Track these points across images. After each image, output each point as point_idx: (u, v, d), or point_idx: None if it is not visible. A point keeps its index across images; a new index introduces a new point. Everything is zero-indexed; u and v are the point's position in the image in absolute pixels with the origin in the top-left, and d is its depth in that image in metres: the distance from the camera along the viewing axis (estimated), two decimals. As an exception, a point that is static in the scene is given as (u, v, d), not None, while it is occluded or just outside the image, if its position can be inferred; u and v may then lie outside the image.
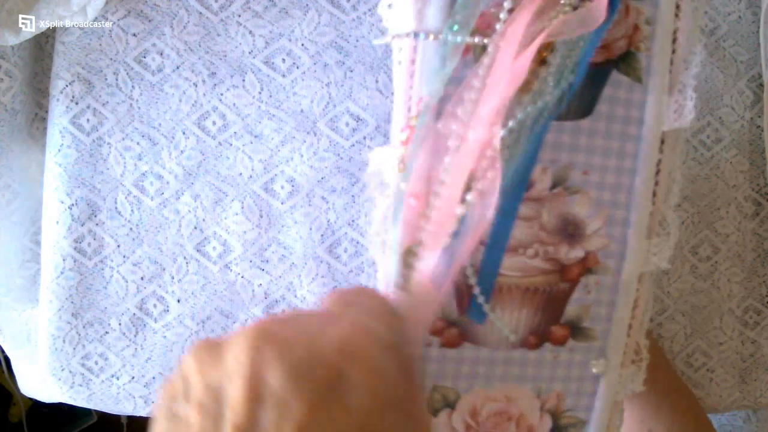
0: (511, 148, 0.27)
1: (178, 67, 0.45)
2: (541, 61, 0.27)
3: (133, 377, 0.47)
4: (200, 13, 0.45)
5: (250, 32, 0.45)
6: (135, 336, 0.47)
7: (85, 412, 0.99)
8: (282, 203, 0.46)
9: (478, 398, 0.31)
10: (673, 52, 0.29)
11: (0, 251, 0.48)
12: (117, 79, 0.45)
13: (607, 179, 0.29)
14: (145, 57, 0.45)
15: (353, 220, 0.46)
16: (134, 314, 0.47)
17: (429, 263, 0.27)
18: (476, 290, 0.29)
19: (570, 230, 0.30)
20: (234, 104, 0.46)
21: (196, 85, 0.46)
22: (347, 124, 0.46)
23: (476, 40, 0.27)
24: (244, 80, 0.46)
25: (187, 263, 0.47)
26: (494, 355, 0.31)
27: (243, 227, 0.46)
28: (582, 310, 0.31)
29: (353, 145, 0.46)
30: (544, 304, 0.30)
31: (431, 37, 0.27)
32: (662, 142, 0.30)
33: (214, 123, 0.46)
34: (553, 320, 0.31)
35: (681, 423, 0.42)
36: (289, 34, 0.46)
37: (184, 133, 0.46)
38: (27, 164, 0.48)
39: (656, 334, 0.49)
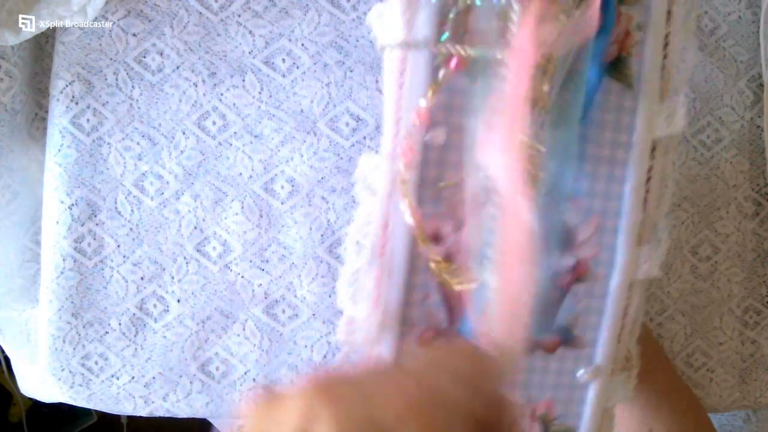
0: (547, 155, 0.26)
1: (178, 67, 0.45)
2: (543, 72, 0.26)
3: (133, 377, 0.47)
4: (200, 13, 0.45)
5: (250, 32, 0.45)
6: (135, 336, 0.47)
7: (85, 412, 0.99)
8: (282, 203, 0.46)
9: None
10: (665, 57, 0.29)
11: (0, 251, 0.48)
12: (117, 79, 0.45)
13: (597, 187, 0.29)
14: (145, 57, 0.45)
15: (353, 220, 0.46)
16: (134, 314, 0.47)
17: (510, 284, 0.26)
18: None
19: (561, 238, 0.29)
20: (234, 104, 0.46)
21: (196, 85, 0.46)
22: (347, 124, 0.46)
23: (472, 53, 0.27)
24: (244, 80, 0.46)
25: (187, 263, 0.47)
26: None
27: (243, 227, 0.46)
28: (573, 318, 0.31)
29: (353, 145, 0.46)
30: (535, 313, 0.30)
31: (420, 47, 0.27)
32: (654, 148, 0.30)
33: (214, 123, 0.46)
34: (544, 328, 0.31)
35: (681, 423, 0.42)
36: (289, 34, 0.46)
37: (184, 133, 0.46)
38: (27, 164, 0.48)
39: (656, 334, 0.49)
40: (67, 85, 0.45)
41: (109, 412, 0.49)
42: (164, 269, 0.47)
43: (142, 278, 0.47)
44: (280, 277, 0.47)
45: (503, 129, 0.25)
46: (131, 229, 0.46)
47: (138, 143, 0.46)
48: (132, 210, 0.46)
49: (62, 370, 0.47)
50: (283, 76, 0.46)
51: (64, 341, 0.47)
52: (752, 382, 0.50)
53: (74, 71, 0.45)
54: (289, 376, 0.48)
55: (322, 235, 0.46)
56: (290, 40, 0.46)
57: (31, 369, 0.51)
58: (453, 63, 0.27)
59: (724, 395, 0.50)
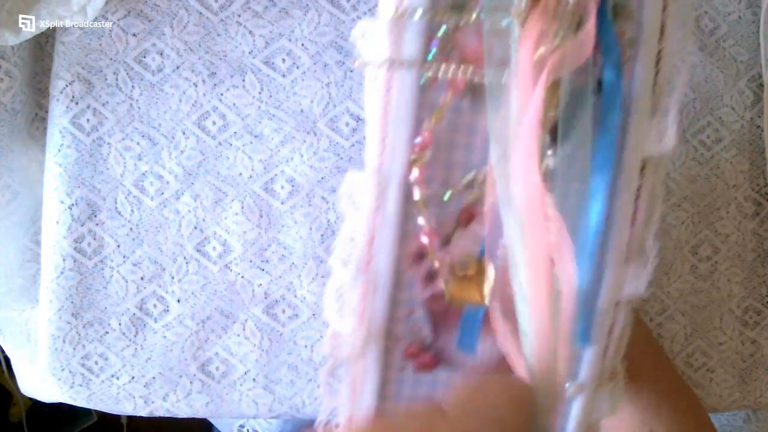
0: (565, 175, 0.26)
1: (178, 67, 0.45)
2: (551, 96, 0.26)
3: (133, 377, 0.47)
4: (200, 13, 0.45)
5: (250, 32, 0.46)
6: (135, 336, 0.47)
7: (85, 412, 0.99)
8: (282, 203, 0.46)
9: None
10: (657, 74, 0.28)
11: (0, 251, 0.48)
12: (117, 79, 0.45)
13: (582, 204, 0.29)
14: (145, 57, 0.45)
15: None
16: (134, 314, 0.47)
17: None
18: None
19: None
20: (234, 104, 0.46)
21: (196, 85, 0.46)
22: (347, 124, 0.46)
23: (467, 74, 0.26)
24: (244, 80, 0.46)
25: (187, 263, 0.47)
26: None
27: (243, 227, 0.46)
28: None
29: (353, 145, 0.46)
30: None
31: (407, 65, 0.26)
32: (643, 167, 0.29)
33: (214, 123, 0.46)
34: None
35: (681, 423, 0.42)
36: (289, 34, 0.46)
37: (184, 133, 0.46)
38: (27, 164, 0.48)
39: (656, 334, 0.49)
40: (67, 85, 0.45)
41: (109, 412, 0.49)
42: (164, 269, 0.47)
43: (142, 278, 0.47)
44: (280, 277, 0.47)
45: (521, 156, 0.24)
46: (131, 229, 0.46)
47: (138, 143, 0.46)
48: (132, 210, 0.46)
49: (62, 370, 0.47)
50: (283, 76, 0.46)
51: (64, 341, 0.47)
52: (752, 382, 0.50)
53: (74, 71, 0.45)
54: (289, 376, 0.48)
55: (322, 235, 0.46)
56: (290, 40, 0.46)
57: (31, 369, 0.51)
58: (453, 86, 0.26)
59: (724, 395, 0.50)
